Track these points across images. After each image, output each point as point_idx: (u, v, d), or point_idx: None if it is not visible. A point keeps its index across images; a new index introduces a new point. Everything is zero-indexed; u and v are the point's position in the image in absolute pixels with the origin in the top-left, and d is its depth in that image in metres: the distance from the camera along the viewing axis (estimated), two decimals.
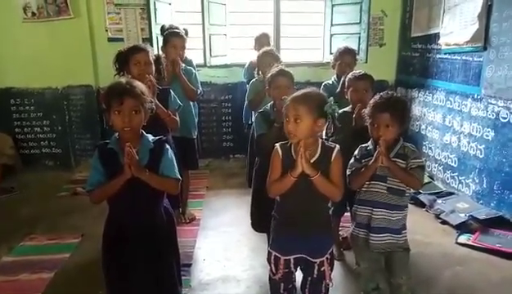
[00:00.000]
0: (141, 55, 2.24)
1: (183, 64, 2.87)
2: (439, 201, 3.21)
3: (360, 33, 4.21)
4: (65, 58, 4.01)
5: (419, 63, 4.05)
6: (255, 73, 3.06)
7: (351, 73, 2.43)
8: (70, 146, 4.28)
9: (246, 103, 3.61)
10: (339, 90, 2.85)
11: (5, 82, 4.12)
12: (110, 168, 1.56)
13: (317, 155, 1.59)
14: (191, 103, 2.97)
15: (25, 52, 3.98)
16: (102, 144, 1.64)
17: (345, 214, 2.47)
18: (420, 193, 3.22)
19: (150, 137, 1.65)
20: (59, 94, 4.18)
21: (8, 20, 3.93)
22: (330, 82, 3.03)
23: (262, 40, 3.78)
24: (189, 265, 2.40)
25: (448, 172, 3.55)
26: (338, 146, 1.63)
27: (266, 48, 3.06)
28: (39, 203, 3.36)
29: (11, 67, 4.04)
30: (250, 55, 3.84)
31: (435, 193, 3.34)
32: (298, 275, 1.79)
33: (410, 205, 2.00)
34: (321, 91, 2.90)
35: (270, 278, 1.77)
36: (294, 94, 1.61)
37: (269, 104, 2.20)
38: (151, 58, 2.29)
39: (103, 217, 1.69)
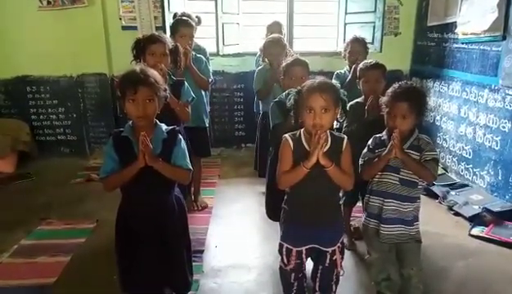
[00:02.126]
0: (157, 46, 2.24)
1: (193, 53, 2.86)
2: (453, 193, 3.17)
3: (375, 22, 4.13)
4: (79, 46, 4.05)
5: (435, 52, 3.97)
6: (260, 60, 3.02)
7: (362, 63, 2.40)
8: (85, 133, 4.35)
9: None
10: (349, 79, 2.83)
11: (21, 71, 4.18)
12: (123, 156, 1.58)
13: (328, 146, 1.58)
14: (203, 92, 2.97)
15: (41, 40, 4.02)
16: (116, 132, 1.65)
17: (357, 204, 2.47)
18: (434, 184, 3.19)
19: (164, 127, 1.66)
20: (73, 82, 4.23)
21: (24, 9, 3.97)
22: (342, 72, 3.01)
23: (273, 28, 3.74)
24: (201, 252, 2.44)
25: (462, 164, 3.50)
26: (345, 136, 1.64)
27: (273, 36, 2.99)
28: (55, 189, 3.44)
29: (27, 55, 4.09)
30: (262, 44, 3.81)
31: (449, 185, 3.30)
32: (308, 263, 1.80)
33: (423, 196, 1.99)
34: (333, 79, 2.91)
35: (280, 269, 1.78)
36: (313, 84, 1.55)
37: (284, 94, 2.17)
38: (167, 49, 2.28)
39: (117, 204, 1.71)
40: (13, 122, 4.14)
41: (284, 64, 2.19)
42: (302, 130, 1.62)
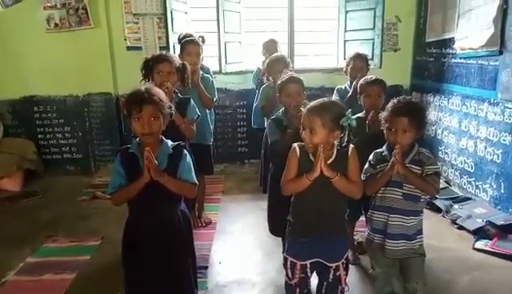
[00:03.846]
0: (164, 65, 2.32)
1: (201, 72, 2.94)
2: (456, 206, 3.17)
3: (374, 39, 4.22)
4: (85, 66, 4.14)
5: (434, 67, 4.03)
6: (264, 78, 3.09)
7: (363, 79, 2.45)
8: (90, 152, 4.41)
9: (254, 106, 3.68)
10: (350, 94, 2.88)
11: (28, 90, 4.27)
12: (130, 172, 1.62)
13: (333, 157, 1.62)
14: (207, 110, 3.03)
15: (48, 61, 4.12)
16: (124, 148, 1.71)
17: (360, 219, 2.47)
18: (437, 198, 3.19)
19: (170, 143, 1.71)
20: (79, 101, 4.31)
21: (33, 31, 4.08)
22: (343, 87, 3.06)
23: (269, 46, 3.83)
24: (205, 268, 2.44)
25: (465, 177, 3.51)
26: (352, 145, 1.66)
27: (276, 54, 3.11)
28: (60, 207, 3.46)
29: (35, 75, 4.18)
30: (259, 61, 3.90)
31: (451, 199, 3.31)
32: (313, 279, 1.81)
33: (426, 210, 2.01)
34: (334, 95, 2.96)
35: (286, 283, 1.79)
36: (311, 104, 1.62)
37: (281, 111, 2.22)
38: (174, 68, 2.35)
39: (122, 221, 1.74)
40: (20, 141, 4.21)
41: (279, 81, 2.23)
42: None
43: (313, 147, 1.58)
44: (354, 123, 1.58)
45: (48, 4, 4.02)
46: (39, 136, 4.36)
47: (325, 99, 1.67)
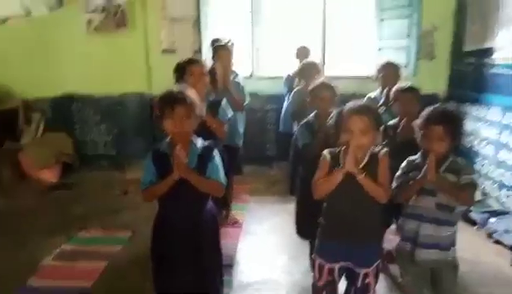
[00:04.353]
0: (196, 67, 2.39)
1: (232, 76, 3.00)
2: (492, 220, 3.03)
3: (409, 47, 4.14)
4: (122, 67, 4.33)
5: (472, 77, 3.90)
6: (295, 82, 3.12)
7: (397, 86, 2.41)
8: (124, 149, 4.57)
9: (284, 111, 3.73)
10: (382, 102, 2.83)
11: (68, 88, 4.49)
12: (161, 170, 1.67)
13: (366, 160, 1.61)
14: (239, 112, 3.07)
15: (87, 62, 4.34)
16: (156, 147, 1.75)
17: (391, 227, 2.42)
18: (471, 210, 3.07)
19: (200, 143, 1.74)
20: (115, 100, 4.49)
21: (74, 33, 4.32)
22: (373, 96, 3.02)
23: (301, 52, 3.97)
24: (231, 266, 2.47)
25: (503, 191, 3.36)
26: (384, 149, 1.65)
27: (309, 60, 3.14)
28: (94, 200, 3.62)
29: (75, 75, 4.40)
30: (291, 68, 3.93)
31: (488, 212, 3.17)
32: (342, 284, 1.79)
33: (459, 222, 1.93)
34: None
35: (313, 285, 1.79)
36: (353, 106, 1.61)
37: (312, 115, 2.23)
38: (205, 70, 2.43)
39: (152, 216, 1.79)
40: (59, 136, 4.44)
41: (311, 87, 2.25)
42: (343, 147, 1.63)
43: (364, 150, 1.56)
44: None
45: (90, 9, 4.22)
46: (77, 132, 4.56)
47: (358, 100, 1.67)
